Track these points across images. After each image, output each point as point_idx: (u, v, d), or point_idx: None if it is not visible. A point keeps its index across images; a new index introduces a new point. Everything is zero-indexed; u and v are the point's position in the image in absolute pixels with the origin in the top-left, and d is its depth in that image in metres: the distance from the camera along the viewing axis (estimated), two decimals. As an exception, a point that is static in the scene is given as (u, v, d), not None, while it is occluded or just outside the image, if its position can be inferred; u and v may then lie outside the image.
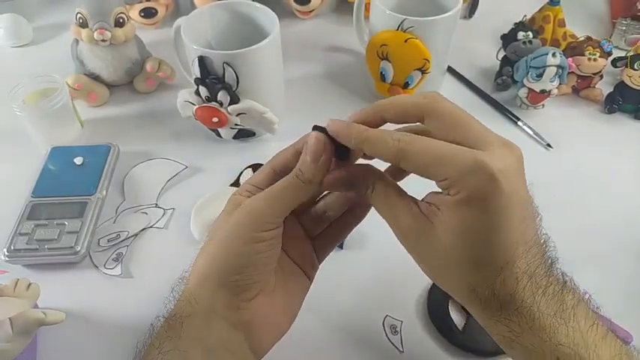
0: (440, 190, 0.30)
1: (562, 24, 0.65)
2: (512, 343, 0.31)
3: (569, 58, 0.57)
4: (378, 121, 0.32)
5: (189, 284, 0.33)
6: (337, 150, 0.32)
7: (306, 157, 0.32)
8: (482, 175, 0.28)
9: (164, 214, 0.51)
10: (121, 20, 0.58)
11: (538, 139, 0.57)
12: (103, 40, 0.57)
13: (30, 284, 0.39)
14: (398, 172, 0.35)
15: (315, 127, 0.32)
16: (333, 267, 0.40)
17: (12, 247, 0.46)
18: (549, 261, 0.31)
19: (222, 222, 0.33)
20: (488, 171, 0.28)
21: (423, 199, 0.32)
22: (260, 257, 0.32)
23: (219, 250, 0.32)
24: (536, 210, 0.33)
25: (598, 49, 0.58)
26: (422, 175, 0.30)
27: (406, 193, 0.32)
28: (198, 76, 0.51)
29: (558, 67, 0.55)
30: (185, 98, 0.54)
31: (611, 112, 0.59)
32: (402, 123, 0.32)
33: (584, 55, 0.58)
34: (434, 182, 0.30)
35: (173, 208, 0.51)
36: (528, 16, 0.66)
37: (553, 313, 0.30)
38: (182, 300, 0.33)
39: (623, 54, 0.59)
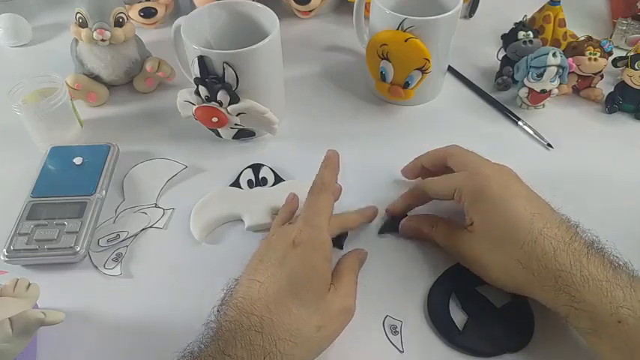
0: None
1: (562, 24, 0.65)
2: (577, 312, 0.34)
3: (570, 58, 0.57)
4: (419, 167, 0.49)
5: None
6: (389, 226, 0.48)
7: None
8: (476, 177, 0.40)
9: (164, 214, 0.50)
10: (121, 20, 0.58)
11: (538, 138, 0.56)
12: (102, 40, 0.57)
13: (29, 284, 0.39)
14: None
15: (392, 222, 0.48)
16: (333, 267, 0.40)
17: (11, 248, 0.46)
18: (586, 238, 0.37)
19: None
20: (480, 173, 0.41)
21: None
22: None
23: None
24: (543, 200, 0.40)
25: (598, 49, 0.58)
26: (439, 196, 0.44)
27: (458, 223, 0.43)
28: (198, 75, 0.50)
29: (559, 66, 0.55)
30: (185, 98, 0.53)
31: (611, 111, 0.59)
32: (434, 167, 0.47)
33: (584, 54, 0.58)
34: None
35: (173, 208, 0.51)
36: (529, 16, 0.66)
37: (606, 279, 0.34)
38: None
39: (623, 54, 0.59)
